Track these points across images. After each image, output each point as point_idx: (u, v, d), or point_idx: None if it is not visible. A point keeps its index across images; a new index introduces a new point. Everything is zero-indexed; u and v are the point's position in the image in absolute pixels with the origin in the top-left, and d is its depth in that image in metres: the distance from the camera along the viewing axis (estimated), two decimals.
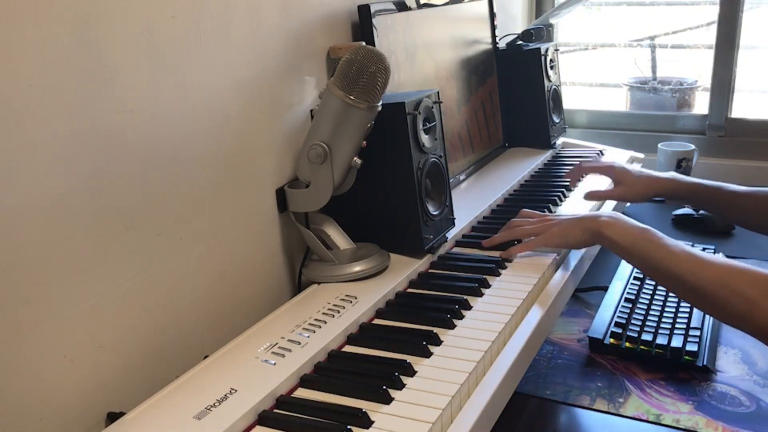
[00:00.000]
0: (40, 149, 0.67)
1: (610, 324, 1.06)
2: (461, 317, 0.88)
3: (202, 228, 0.89)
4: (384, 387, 0.72)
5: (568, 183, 1.39)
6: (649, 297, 1.13)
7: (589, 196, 1.26)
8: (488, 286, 0.96)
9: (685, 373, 0.98)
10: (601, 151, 1.65)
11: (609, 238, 0.94)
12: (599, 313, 1.10)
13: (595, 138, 1.89)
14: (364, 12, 1.13)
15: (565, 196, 1.34)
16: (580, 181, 1.40)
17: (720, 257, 0.84)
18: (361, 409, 0.69)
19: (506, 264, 1.04)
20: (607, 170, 1.26)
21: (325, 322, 0.85)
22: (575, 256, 1.10)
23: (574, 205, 1.30)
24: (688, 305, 1.09)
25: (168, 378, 0.77)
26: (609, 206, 1.33)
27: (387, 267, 1.01)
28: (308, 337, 0.82)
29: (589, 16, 2.20)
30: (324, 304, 0.90)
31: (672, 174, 1.21)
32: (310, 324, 0.85)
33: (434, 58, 1.35)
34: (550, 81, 1.63)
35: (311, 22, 1.07)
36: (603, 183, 1.35)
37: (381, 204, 1.05)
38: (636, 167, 1.25)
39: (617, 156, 1.64)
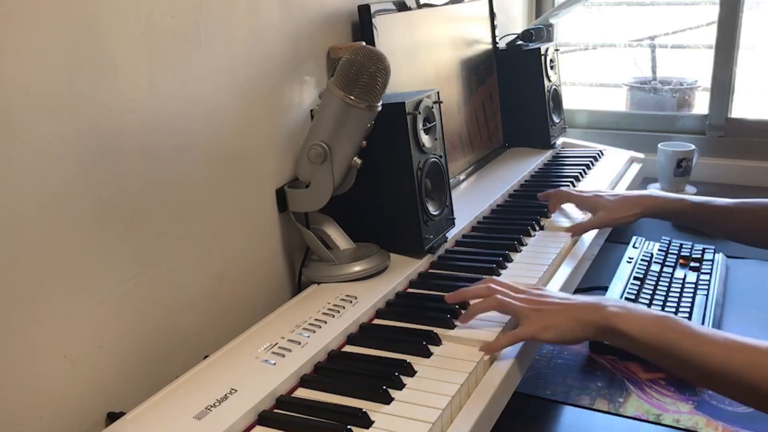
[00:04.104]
0: (40, 149, 0.67)
1: None
2: None
3: (202, 228, 0.89)
4: (384, 387, 0.72)
5: (568, 184, 1.39)
6: (649, 297, 1.12)
7: (572, 230, 1.15)
8: None
9: None
10: (600, 151, 1.65)
11: (623, 333, 0.74)
12: None
13: (595, 138, 1.89)
14: (364, 12, 1.13)
15: None
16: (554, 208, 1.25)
17: None
18: (361, 409, 0.69)
19: (506, 264, 1.04)
20: (583, 200, 1.18)
21: (325, 322, 0.85)
22: (576, 256, 1.10)
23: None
24: (688, 305, 1.08)
25: (168, 378, 0.77)
26: (592, 235, 1.18)
27: (387, 267, 1.01)
28: (308, 337, 0.82)
29: (589, 16, 2.20)
30: (324, 304, 0.90)
31: (649, 192, 1.11)
32: (310, 324, 0.85)
33: (434, 58, 1.35)
34: (550, 81, 1.63)
35: (311, 22, 1.07)
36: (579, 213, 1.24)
37: (381, 204, 1.05)
38: (608, 191, 1.17)
39: (617, 156, 1.63)
